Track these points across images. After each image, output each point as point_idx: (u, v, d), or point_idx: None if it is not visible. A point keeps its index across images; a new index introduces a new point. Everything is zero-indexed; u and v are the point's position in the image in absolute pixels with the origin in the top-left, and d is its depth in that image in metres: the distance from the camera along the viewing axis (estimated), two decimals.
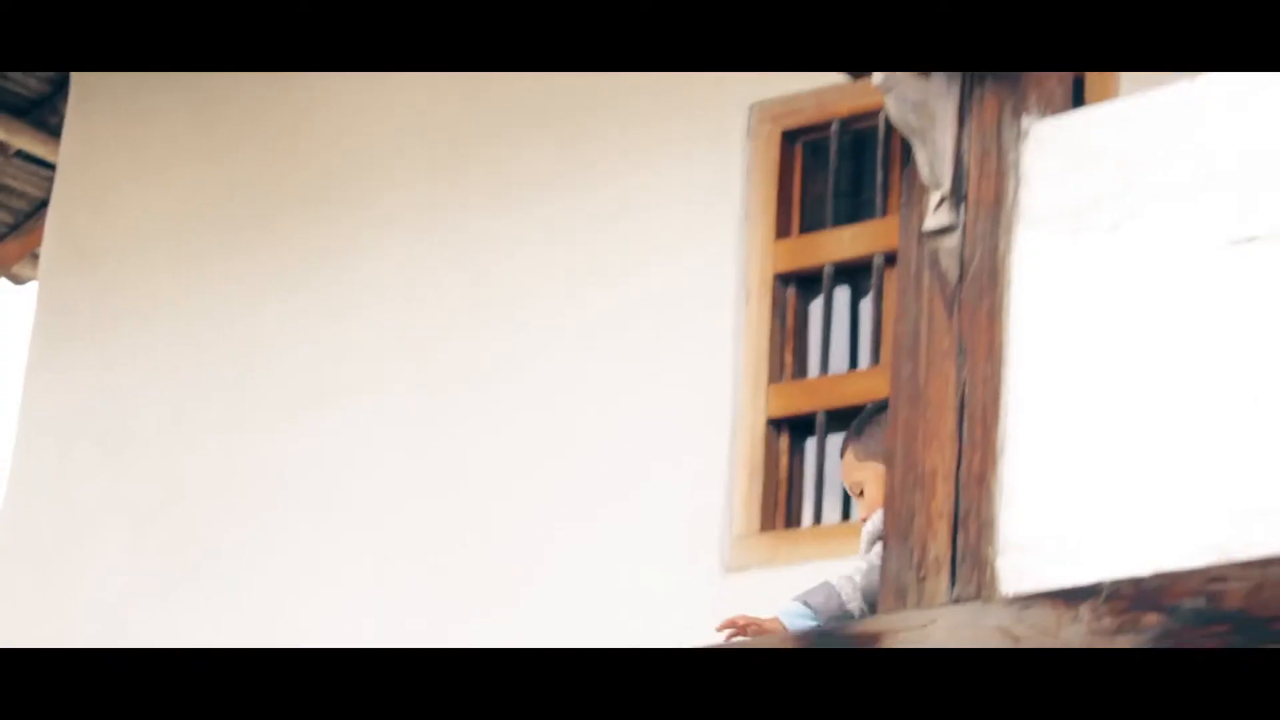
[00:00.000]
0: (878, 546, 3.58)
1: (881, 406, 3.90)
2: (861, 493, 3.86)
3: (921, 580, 3.03)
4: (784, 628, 3.54)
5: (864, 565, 3.60)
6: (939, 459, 3.06)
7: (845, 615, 3.56)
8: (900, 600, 3.05)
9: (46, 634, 5.74)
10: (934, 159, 3.14)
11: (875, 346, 4.79)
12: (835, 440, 4.71)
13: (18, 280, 7.09)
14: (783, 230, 5.04)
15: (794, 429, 4.91)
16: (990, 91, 3.16)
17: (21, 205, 6.81)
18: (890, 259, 4.71)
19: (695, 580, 4.72)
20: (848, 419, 4.79)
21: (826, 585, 3.62)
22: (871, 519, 3.71)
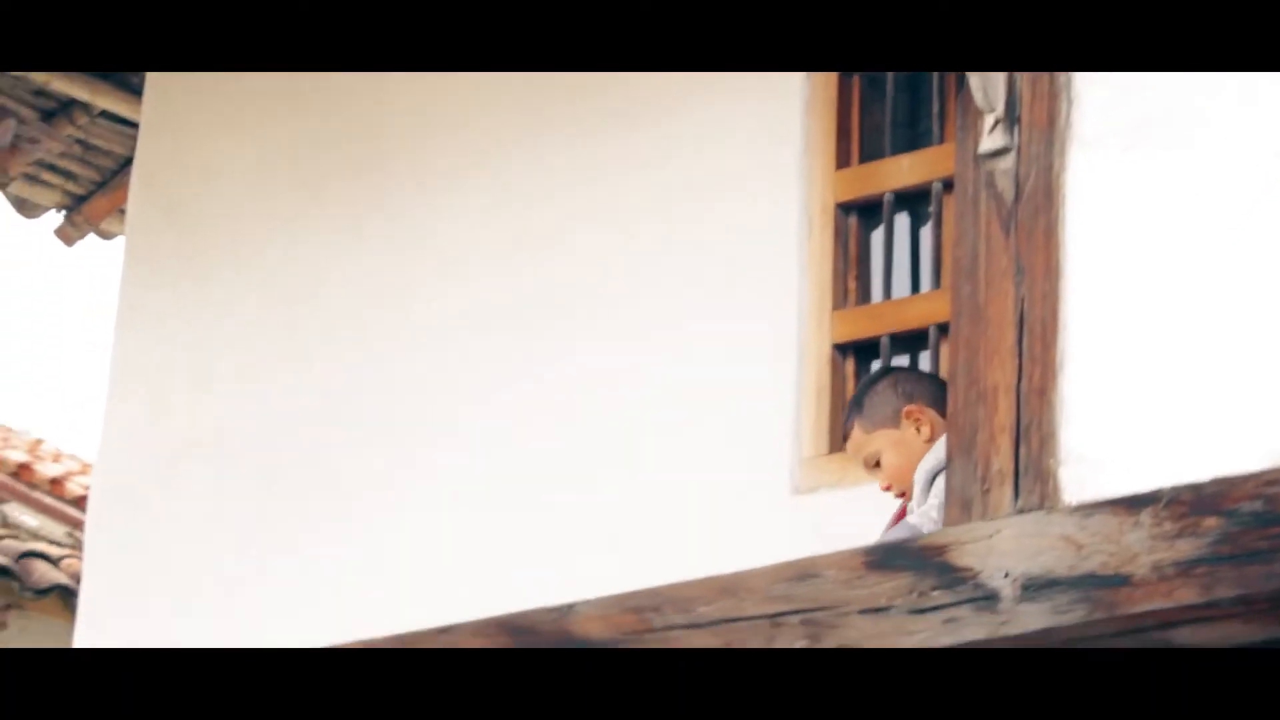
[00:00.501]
0: (938, 484, 3.65)
1: (873, 380, 4.00)
2: (878, 464, 3.94)
3: (986, 493, 3.12)
4: None
5: (935, 502, 3.65)
6: (1000, 375, 3.15)
7: None
8: (965, 512, 3.14)
9: (142, 576, 5.88)
10: (987, 83, 3.21)
11: (936, 270, 4.85)
12: (899, 363, 4.80)
13: (106, 236, 7.19)
14: (842, 161, 5.11)
15: (859, 353, 4.99)
16: None
17: (107, 163, 6.91)
18: (948, 185, 4.77)
19: (766, 503, 4.81)
20: (911, 342, 4.88)
21: (907, 525, 3.68)
22: (926, 456, 3.76)
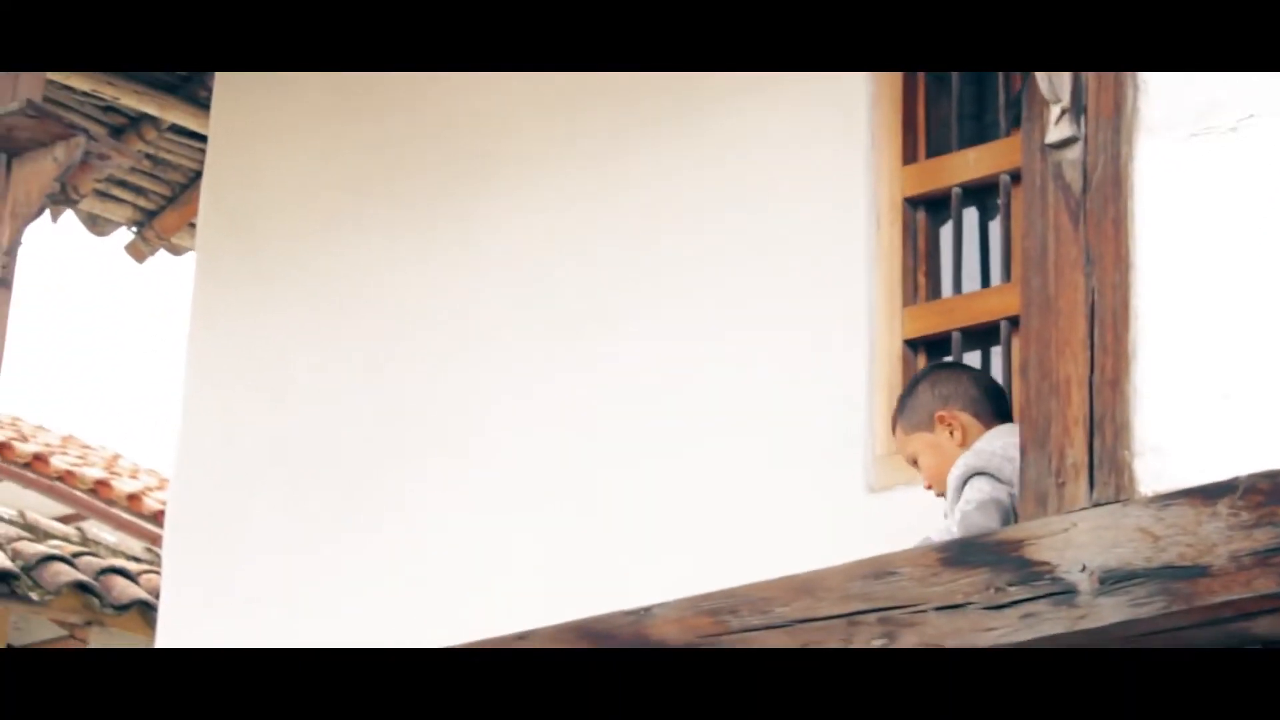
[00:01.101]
0: (967, 490, 3.63)
1: (914, 382, 3.99)
2: (916, 462, 3.94)
3: (1061, 486, 3.10)
4: None
5: (956, 515, 3.63)
6: (1072, 367, 3.13)
7: None
8: (1041, 506, 3.12)
9: (220, 589, 5.91)
10: (1053, 74, 3.19)
11: (1005, 263, 4.83)
12: (971, 358, 4.78)
13: (176, 251, 7.24)
14: (909, 156, 5.10)
15: (930, 349, 4.97)
16: None
17: (177, 178, 6.96)
18: (1016, 177, 4.75)
19: (840, 501, 4.79)
20: (982, 337, 4.86)
21: (928, 540, 3.66)
22: (956, 462, 3.74)
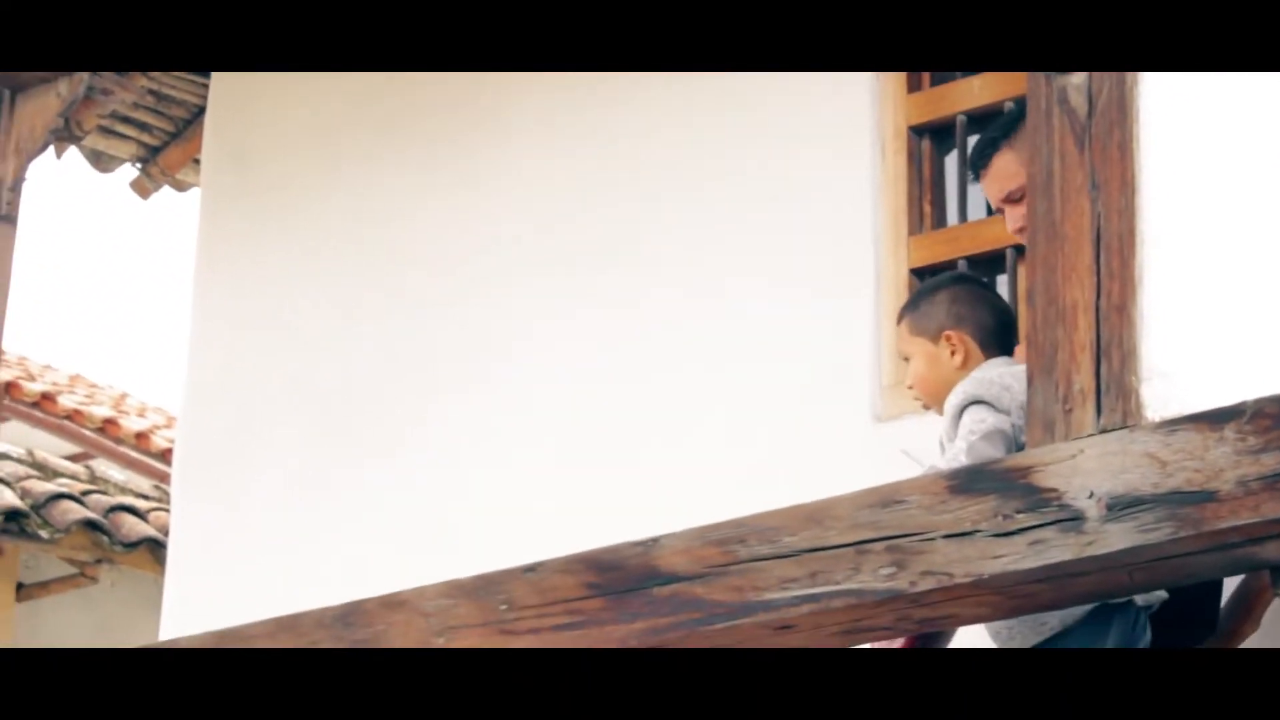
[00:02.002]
0: (967, 418, 3.63)
1: (938, 285, 3.96)
2: (907, 359, 3.93)
3: (1068, 412, 3.09)
4: None
5: (961, 445, 3.62)
6: (1079, 292, 3.12)
7: None
8: (1048, 433, 3.12)
9: (229, 527, 5.93)
10: None
11: None
12: (973, 277, 4.78)
13: (181, 187, 7.23)
14: (914, 84, 5.09)
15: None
16: None
17: (180, 114, 6.94)
18: (1019, 104, 4.74)
19: (848, 430, 4.81)
20: (988, 264, 4.86)
21: (933, 469, 3.65)
22: (955, 389, 3.73)
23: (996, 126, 4.11)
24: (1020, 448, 3.59)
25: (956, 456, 3.59)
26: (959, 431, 3.64)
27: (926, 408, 3.91)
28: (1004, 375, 3.67)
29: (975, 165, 4.13)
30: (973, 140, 4.93)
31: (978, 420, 3.61)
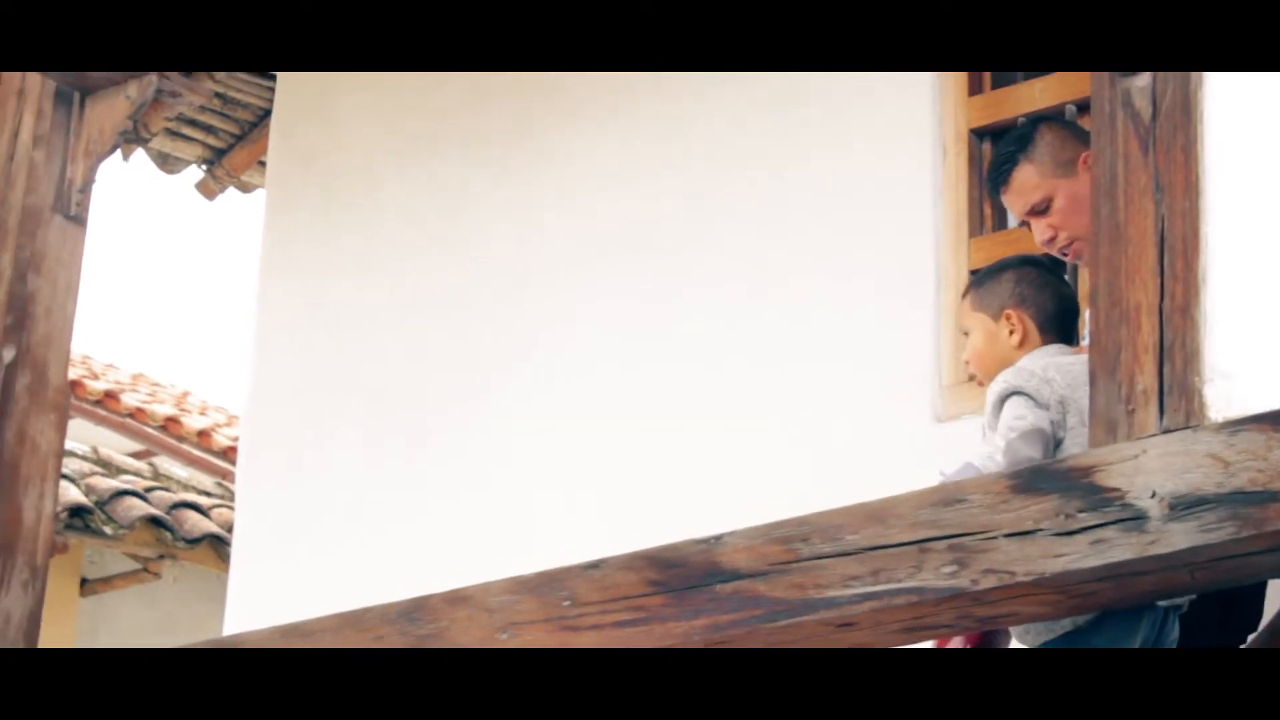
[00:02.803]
0: (1006, 413, 3.64)
1: (1005, 265, 3.97)
2: (967, 334, 3.94)
3: (1131, 412, 3.11)
4: None
5: (999, 442, 3.64)
6: (1142, 294, 3.13)
7: None
8: (1110, 433, 3.13)
9: (293, 523, 5.98)
10: None
11: None
12: (1041, 261, 4.79)
13: (246, 189, 7.29)
14: (975, 87, 5.10)
15: None
16: None
17: (246, 116, 6.99)
18: (1083, 106, 4.74)
19: (909, 430, 4.82)
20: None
21: (969, 466, 3.67)
22: (998, 378, 3.74)
23: (1010, 141, 4.13)
24: (1059, 444, 3.61)
25: (992, 455, 3.61)
26: (999, 425, 3.66)
27: (980, 383, 3.93)
28: (1049, 366, 3.69)
29: (994, 182, 4.15)
30: None
31: (1017, 417, 3.63)
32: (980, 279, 3.96)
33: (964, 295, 3.97)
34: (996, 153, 4.18)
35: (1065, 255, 4.12)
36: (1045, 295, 3.86)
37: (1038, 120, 4.16)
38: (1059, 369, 3.67)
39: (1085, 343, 3.88)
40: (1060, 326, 3.85)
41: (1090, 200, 3.23)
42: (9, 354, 4.44)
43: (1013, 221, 5.02)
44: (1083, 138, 4.07)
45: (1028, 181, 4.06)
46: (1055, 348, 3.80)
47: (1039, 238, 4.08)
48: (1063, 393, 3.64)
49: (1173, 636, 3.59)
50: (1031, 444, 3.58)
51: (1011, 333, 3.84)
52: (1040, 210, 4.04)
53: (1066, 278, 4.13)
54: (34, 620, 4.40)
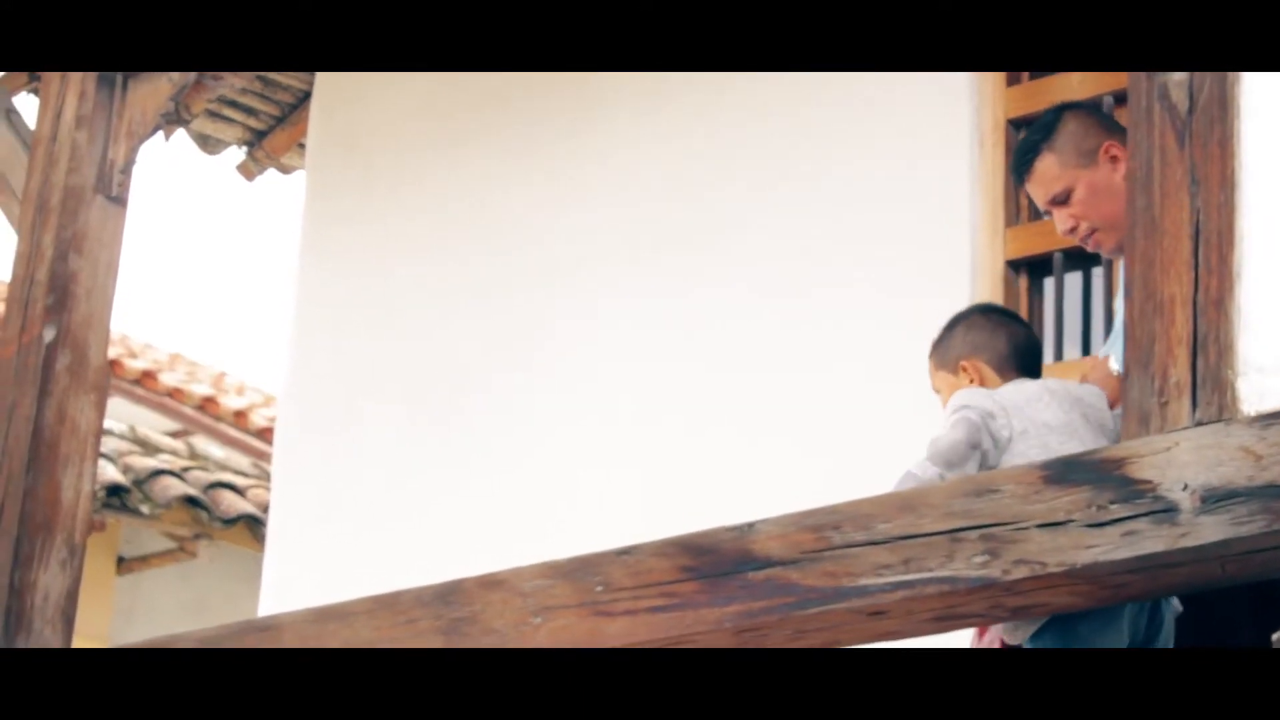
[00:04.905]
0: (946, 411, 3.69)
1: (955, 319, 4.00)
2: (939, 394, 3.98)
3: (1164, 405, 3.11)
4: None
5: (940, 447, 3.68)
6: (1177, 287, 3.14)
7: None
8: (1143, 426, 3.13)
9: (330, 501, 6.00)
10: None
11: None
12: (1073, 279, 4.79)
13: (286, 170, 7.32)
14: (1012, 78, 5.11)
15: (1032, 269, 4.98)
16: None
17: (286, 99, 7.02)
18: (1119, 98, 4.75)
19: (941, 421, 4.82)
20: (1084, 259, 4.87)
21: (910, 475, 3.71)
22: (953, 396, 3.78)
23: (1035, 130, 4.14)
24: (1001, 441, 3.63)
25: (923, 460, 3.67)
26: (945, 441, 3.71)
27: None
28: (1003, 392, 3.73)
29: (1018, 171, 4.16)
30: None
31: (951, 410, 3.68)
32: (936, 339, 4.00)
33: (929, 358, 4.01)
34: (1020, 143, 4.19)
35: (1087, 245, 4.13)
36: (998, 338, 3.90)
37: (1063, 108, 4.17)
38: (1020, 391, 3.72)
39: (1118, 320, 3.90)
40: (1018, 364, 3.88)
41: (1126, 193, 3.24)
42: (50, 334, 4.48)
43: None
44: (1106, 126, 4.07)
45: (1049, 172, 4.07)
46: (1016, 382, 3.82)
47: (1061, 228, 4.10)
48: (1032, 415, 3.68)
49: (1167, 630, 3.61)
50: (955, 428, 3.63)
51: (971, 381, 3.87)
52: (1061, 200, 4.06)
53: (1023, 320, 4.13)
54: (71, 598, 4.44)
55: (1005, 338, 3.90)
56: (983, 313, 3.99)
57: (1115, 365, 3.85)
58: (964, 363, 3.88)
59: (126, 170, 4.67)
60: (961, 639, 3.74)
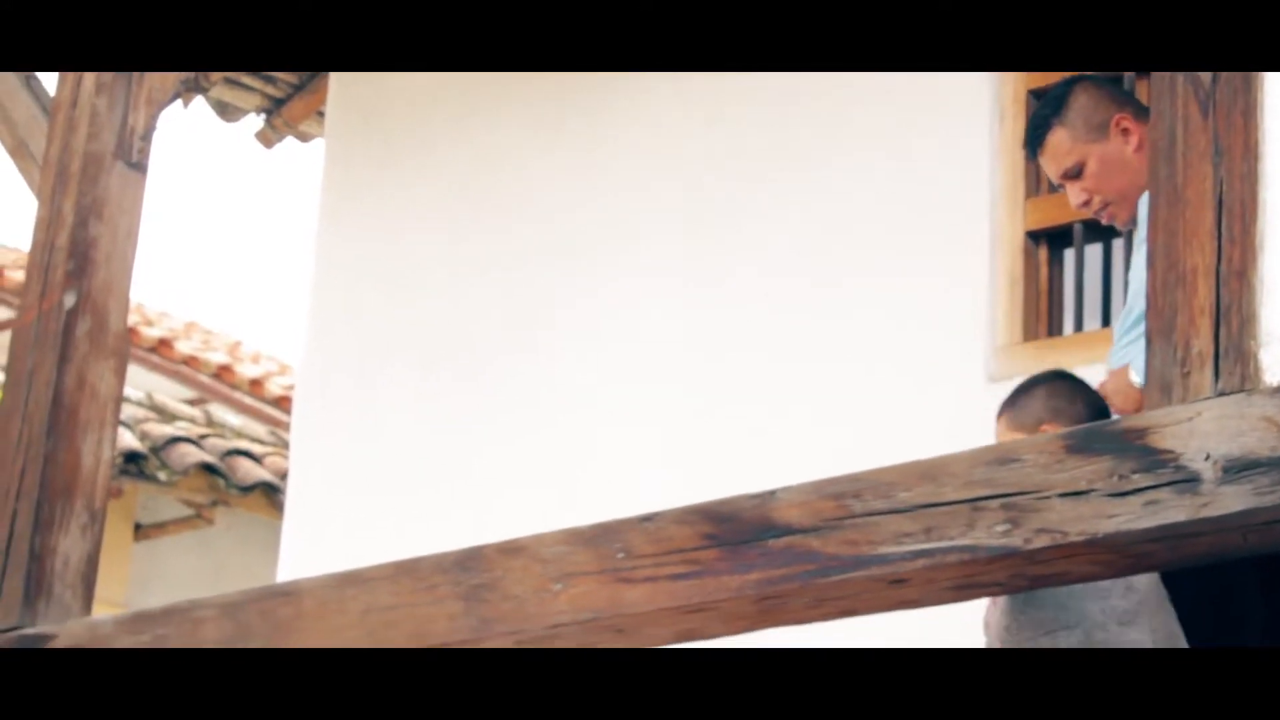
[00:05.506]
0: None
1: (1036, 381, 4.00)
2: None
3: (1186, 375, 3.11)
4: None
5: None
6: (1199, 257, 3.14)
7: None
8: (1165, 396, 3.13)
9: (348, 470, 6.02)
10: None
11: None
12: (1093, 250, 4.79)
13: (304, 138, 7.33)
14: None
15: (1051, 240, 4.98)
16: None
17: None
18: (1066, 80, 4.74)
19: (962, 390, 4.83)
20: (1104, 230, 4.86)
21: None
22: None
23: (1045, 104, 4.13)
24: None
25: None
26: None
27: None
28: None
29: (1031, 144, 4.16)
30: None
31: None
32: (1013, 398, 4.01)
33: (999, 416, 4.01)
34: (1031, 117, 4.19)
35: (1101, 218, 4.13)
36: (1077, 406, 3.93)
37: (1073, 81, 4.16)
38: None
39: (1132, 288, 3.91)
40: None
41: (1148, 162, 3.24)
42: (70, 300, 4.48)
43: None
44: (1118, 99, 4.08)
45: (1060, 146, 4.07)
46: None
47: (1074, 201, 4.10)
48: None
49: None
50: None
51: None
52: (1073, 174, 4.06)
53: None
54: (92, 564, 4.45)
55: (1083, 405, 3.93)
56: (1061, 378, 4.02)
57: (1136, 377, 3.86)
58: (1045, 426, 3.90)
59: (146, 137, 4.67)
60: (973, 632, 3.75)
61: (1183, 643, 3.50)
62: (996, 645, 3.75)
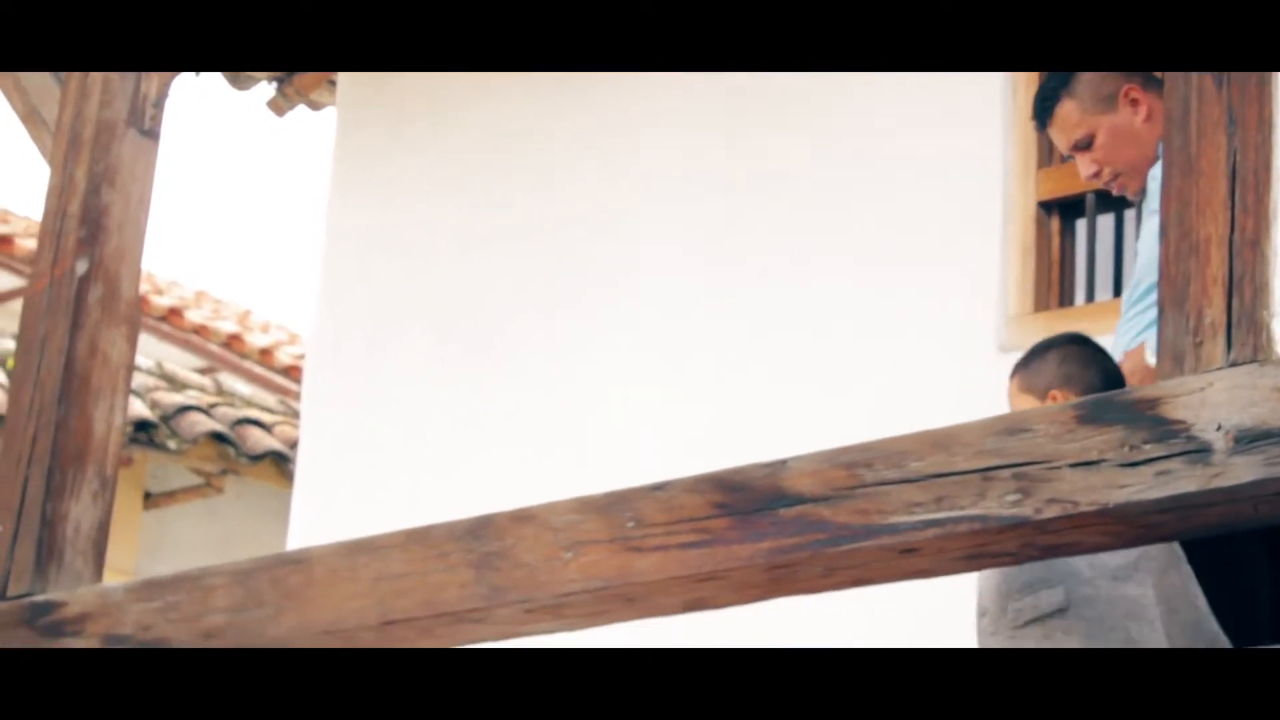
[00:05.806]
0: None
1: (1050, 344, 3.98)
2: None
3: (1198, 345, 3.11)
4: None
5: None
6: (1212, 227, 3.13)
7: None
8: (1177, 365, 3.13)
9: (358, 439, 6.03)
10: None
11: None
12: (1105, 220, 4.78)
13: (316, 107, 7.31)
14: None
15: (1063, 210, 4.98)
16: None
17: None
18: None
19: (974, 360, 4.83)
20: (1116, 200, 4.86)
21: None
22: None
23: (1054, 75, 4.12)
24: None
25: None
26: None
27: None
28: None
29: (1039, 116, 4.15)
30: None
31: None
32: (1026, 360, 3.99)
33: (1011, 377, 3.99)
34: (1039, 89, 4.18)
35: (1112, 189, 4.12)
36: (1090, 372, 3.89)
37: None
38: None
39: (1139, 260, 3.90)
40: None
41: (1163, 132, 3.23)
42: (82, 267, 4.49)
43: None
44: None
45: (1069, 118, 4.06)
46: None
47: (1084, 173, 4.09)
48: None
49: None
50: None
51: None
52: (1083, 146, 4.05)
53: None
54: (103, 531, 4.46)
55: (1098, 372, 3.90)
56: (1077, 343, 3.99)
57: (1150, 357, 3.85)
58: (1055, 392, 3.87)
59: (159, 104, 4.67)
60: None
61: (1201, 604, 3.50)
62: (987, 603, 3.74)
